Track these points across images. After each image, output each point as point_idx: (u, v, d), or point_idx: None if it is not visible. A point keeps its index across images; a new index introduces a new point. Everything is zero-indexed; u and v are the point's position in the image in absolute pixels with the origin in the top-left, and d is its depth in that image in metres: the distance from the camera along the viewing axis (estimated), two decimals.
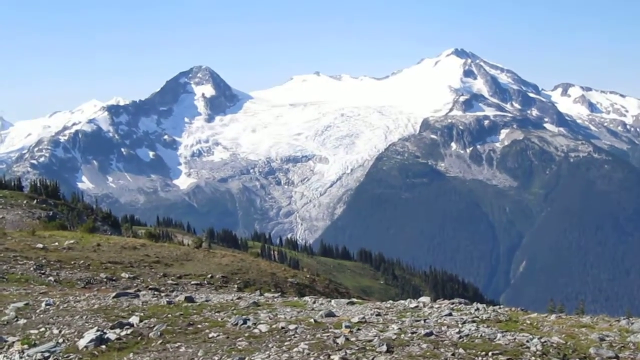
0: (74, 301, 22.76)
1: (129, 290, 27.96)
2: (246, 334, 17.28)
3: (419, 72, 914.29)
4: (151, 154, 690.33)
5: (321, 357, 15.12)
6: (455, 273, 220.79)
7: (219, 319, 19.43)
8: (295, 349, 15.75)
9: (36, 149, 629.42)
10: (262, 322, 18.69)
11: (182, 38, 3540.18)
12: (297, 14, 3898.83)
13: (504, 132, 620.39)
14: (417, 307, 22.90)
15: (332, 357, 15.05)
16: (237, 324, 18.36)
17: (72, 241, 43.14)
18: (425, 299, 24.92)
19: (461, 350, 15.61)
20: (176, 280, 36.73)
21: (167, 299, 23.50)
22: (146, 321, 18.86)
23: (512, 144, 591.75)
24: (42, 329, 18.41)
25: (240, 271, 42.77)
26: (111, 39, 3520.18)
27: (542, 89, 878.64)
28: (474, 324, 18.69)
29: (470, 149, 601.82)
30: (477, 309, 22.38)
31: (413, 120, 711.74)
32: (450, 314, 20.57)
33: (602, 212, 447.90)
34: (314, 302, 24.65)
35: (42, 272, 33.50)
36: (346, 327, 17.84)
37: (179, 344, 16.61)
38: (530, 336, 17.03)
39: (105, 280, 34.09)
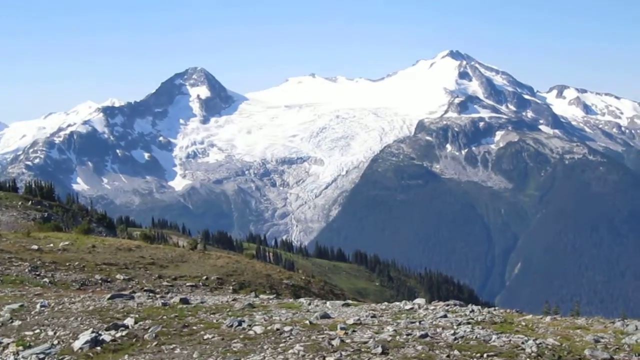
0: (69, 303, 22.73)
1: (124, 292, 27.92)
2: (241, 336, 17.27)
3: (414, 74, 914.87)
4: (146, 155, 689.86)
5: (316, 358, 15.12)
6: (450, 275, 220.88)
7: (214, 321, 19.42)
8: (290, 351, 15.74)
9: (31, 150, 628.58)
10: (257, 323, 18.68)
11: (178, 40, 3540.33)
12: (293, 15, 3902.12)
13: (499, 134, 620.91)
14: (412, 308, 22.92)
15: (327, 358, 15.05)
16: (232, 326, 18.35)
17: (67, 243, 43.11)
18: (420, 300, 24.94)
19: (456, 352, 15.61)
20: (171, 281, 36.71)
21: (162, 301, 23.48)
22: (141, 323, 18.84)
23: (507, 145, 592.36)
24: (37, 331, 18.38)
25: (236, 273, 42.77)
26: (106, 40, 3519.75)
27: (537, 90, 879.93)
28: (469, 326, 18.70)
29: (466, 150, 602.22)
30: (472, 311, 22.40)
31: (408, 122, 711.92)
32: (445, 316, 20.59)
33: (597, 214, 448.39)
34: (309, 304, 24.65)
35: (37, 273, 33.45)
36: (341, 328, 17.84)
37: (174, 345, 16.60)
38: (526, 338, 17.04)
39: (100, 281, 34.06)
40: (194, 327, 18.44)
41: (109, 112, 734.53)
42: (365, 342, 16.37)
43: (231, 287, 38.55)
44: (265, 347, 16.21)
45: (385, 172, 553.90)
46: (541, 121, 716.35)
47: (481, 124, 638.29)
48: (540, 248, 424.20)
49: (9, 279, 30.97)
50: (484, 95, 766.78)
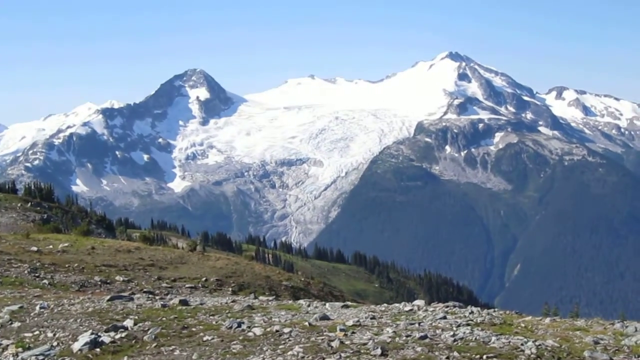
0: (69, 304, 22.73)
1: (123, 294, 27.94)
2: (240, 337, 17.28)
3: (413, 75, 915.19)
4: (145, 157, 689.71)
5: None
6: (449, 276, 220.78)
7: (214, 322, 19.42)
8: (289, 352, 15.75)
9: (30, 151, 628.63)
10: (256, 325, 18.69)
11: (177, 41, 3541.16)
12: (292, 17, 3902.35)
13: (498, 136, 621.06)
14: (411, 310, 22.92)
15: None
16: (231, 327, 18.36)
17: (66, 244, 43.11)
18: (419, 302, 24.95)
19: (456, 354, 15.62)
20: (170, 283, 36.71)
21: (162, 302, 23.49)
22: (140, 324, 18.85)
23: (507, 147, 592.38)
24: (37, 332, 18.39)
25: (235, 274, 42.78)
26: (106, 42, 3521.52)
27: (536, 92, 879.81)
28: (469, 327, 18.70)
29: (465, 152, 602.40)
30: (472, 312, 22.40)
31: (407, 124, 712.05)
32: (444, 317, 20.60)
33: (596, 215, 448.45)
34: (309, 306, 24.66)
35: (37, 275, 33.47)
36: (341, 330, 17.84)
37: (173, 347, 16.60)
38: (525, 339, 17.04)
39: (99, 283, 34.07)
40: (194, 329, 18.45)
41: (108, 113, 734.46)
42: (365, 344, 16.37)
43: (230, 289, 38.55)
44: (264, 348, 16.21)
45: (385, 174, 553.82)
46: (540, 122, 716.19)
47: (480, 125, 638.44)
48: (540, 249, 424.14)
49: (9, 280, 30.99)
50: (483, 96, 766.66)
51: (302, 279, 55.78)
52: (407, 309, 23.29)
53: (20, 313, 20.89)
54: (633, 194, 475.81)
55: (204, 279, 39.07)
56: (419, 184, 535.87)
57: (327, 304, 25.52)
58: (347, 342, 16.49)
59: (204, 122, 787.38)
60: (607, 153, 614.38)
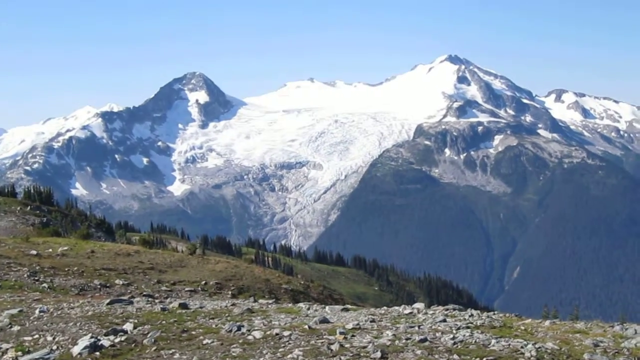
0: (68, 308, 22.74)
1: (123, 297, 27.95)
2: (240, 341, 17.29)
3: (412, 78, 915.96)
4: (145, 160, 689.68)
5: None
6: (449, 279, 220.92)
7: (213, 326, 19.44)
8: (289, 356, 15.76)
9: (30, 155, 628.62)
10: (256, 328, 18.71)
11: (176, 45, 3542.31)
12: (291, 20, 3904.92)
13: (497, 138, 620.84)
14: (411, 313, 22.94)
15: None
16: (231, 331, 18.37)
17: (65, 248, 43.12)
18: (419, 305, 24.95)
19: (455, 357, 15.63)
20: (170, 286, 36.72)
21: (161, 306, 23.50)
22: (140, 328, 18.86)
23: (506, 150, 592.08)
24: (36, 336, 18.39)
25: (234, 278, 42.77)
26: (105, 46, 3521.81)
27: (535, 95, 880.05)
28: (468, 330, 18.73)
29: (464, 155, 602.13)
30: (472, 315, 22.43)
31: (407, 127, 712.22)
32: (444, 320, 20.61)
33: (596, 218, 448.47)
34: (308, 309, 24.67)
35: (36, 278, 33.48)
36: (340, 333, 17.85)
37: (173, 350, 16.61)
38: (525, 342, 17.05)
39: (99, 286, 34.07)
40: (193, 332, 18.45)
41: (107, 117, 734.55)
42: (365, 347, 16.39)
43: (230, 292, 38.55)
44: (264, 352, 16.22)
45: (384, 177, 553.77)
46: (540, 125, 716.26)
47: (480, 128, 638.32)
48: (539, 252, 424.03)
49: (8, 284, 30.99)
50: (482, 99, 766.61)
51: (302, 282, 55.75)
52: (406, 312, 23.32)
53: (20, 317, 20.89)
54: (632, 197, 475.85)
55: (203, 282, 39.08)
56: (418, 187, 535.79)
57: (327, 307, 25.55)
58: (347, 345, 16.50)
59: (204, 126, 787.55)
60: (606, 156, 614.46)
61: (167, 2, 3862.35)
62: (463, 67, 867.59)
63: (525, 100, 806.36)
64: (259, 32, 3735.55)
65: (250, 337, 17.67)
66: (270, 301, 29.24)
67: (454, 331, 18.55)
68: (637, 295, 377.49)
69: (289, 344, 16.92)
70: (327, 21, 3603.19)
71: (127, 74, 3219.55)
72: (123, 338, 17.68)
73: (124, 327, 18.88)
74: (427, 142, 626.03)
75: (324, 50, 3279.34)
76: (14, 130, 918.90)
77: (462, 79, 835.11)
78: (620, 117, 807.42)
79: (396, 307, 25.36)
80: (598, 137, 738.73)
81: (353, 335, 17.74)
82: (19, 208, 77.14)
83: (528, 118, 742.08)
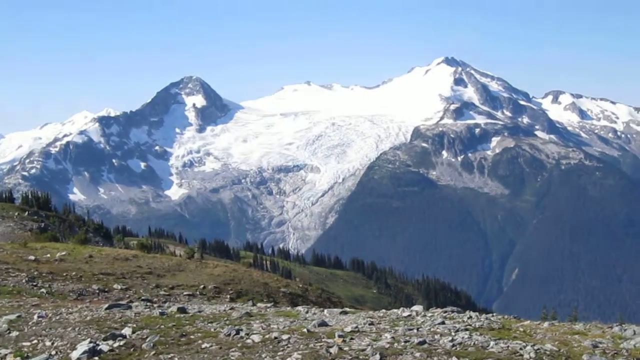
0: (67, 313, 22.71)
1: (121, 302, 27.93)
2: (239, 345, 17.28)
3: (409, 80, 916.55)
4: (142, 164, 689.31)
5: None
6: (447, 281, 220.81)
7: (212, 330, 19.42)
8: (288, 359, 15.75)
9: (27, 160, 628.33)
10: (255, 332, 18.69)
11: (173, 49, 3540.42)
12: (288, 23, 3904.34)
13: (495, 140, 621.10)
14: (410, 315, 22.94)
15: None
16: (230, 335, 18.36)
17: (64, 253, 43.08)
18: (418, 307, 24.96)
19: (454, 359, 15.64)
20: (168, 291, 36.68)
21: (160, 310, 23.48)
22: (139, 332, 18.84)
23: (503, 151, 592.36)
24: (35, 341, 18.37)
25: (233, 281, 42.74)
26: (102, 50, 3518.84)
27: (532, 96, 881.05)
28: (467, 332, 18.73)
29: (462, 157, 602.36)
30: (470, 317, 22.43)
31: (404, 129, 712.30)
32: (443, 323, 20.61)
33: (593, 219, 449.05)
34: (307, 312, 24.68)
35: (34, 284, 33.45)
36: (339, 336, 17.85)
37: (171, 355, 16.59)
38: (524, 344, 17.06)
39: (97, 291, 34.04)
40: (192, 337, 18.44)
41: (104, 122, 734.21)
42: (363, 350, 16.38)
43: (228, 296, 38.53)
44: (263, 355, 16.22)
45: (382, 179, 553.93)
46: (537, 127, 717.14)
47: (477, 130, 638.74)
48: (537, 253, 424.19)
49: (6, 289, 30.96)
50: (479, 101, 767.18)
51: (300, 286, 55.72)
52: (405, 314, 23.32)
53: (18, 322, 20.86)
54: (630, 197, 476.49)
55: (201, 286, 39.05)
56: (416, 189, 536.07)
57: (326, 311, 25.54)
58: (346, 348, 16.50)
59: (201, 130, 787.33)
60: (603, 157, 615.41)
61: (164, 8, 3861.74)
62: (460, 69, 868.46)
63: (522, 102, 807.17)
64: (256, 36, 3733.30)
65: (249, 340, 17.66)
66: (268, 305, 29.23)
67: (453, 333, 18.55)
68: (636, 296, 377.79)
69: (288, 347, 16.91)
70: (324, 25, 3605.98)
71: (124, 79, 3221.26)
72: (122, 343, 17.67)
73: (123, 331, 18.87)
74: (424, 145, 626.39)
75: (320, 54, 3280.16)
76: (11, 135, 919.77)
77: (458, 81, 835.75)
78: (617, 118, 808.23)
79: (395, 310, 25.37)
80: (595, 138, 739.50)
81: (352, 338, 17.73)
82: (16, 213, 77.10)
83: (525, 120, 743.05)
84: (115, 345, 17.46)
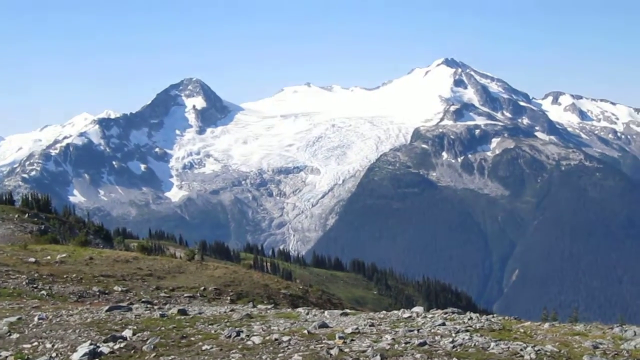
0: (67, 315, 22.72)
1: (121, 304, 27.92)
2: (240, 346, 17.28)
3: (409, 82, 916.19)
4: (142, 166, 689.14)
5: None
6: (448, 282, 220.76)
7: (213, 331, 19.43)
8: None
9: (27, 162, 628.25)
10: (255, 333, 18.69)
11: (173, 51, 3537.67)
12: (287, 25, 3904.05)
13: (495, 141, 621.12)
14: (410, 317, 22.94)
15: None
16: (230, 336, 18.36)
17: (64, 255, 43.09)
18: (418, 308, 24.98)
19: None
20: (169, 293, 36.69)
21: (160, 312, 23.48)
22: (139, 334, 18.84)
23: (503, 152, 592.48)
24: (35, 343, 18.38)
25: (233, 283, 42.76)
26: (102, 52, 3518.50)
27: (532, 97, 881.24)
28: (468, 333, 18.73)
29: (462, 158, 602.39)
30: (471, 318, 22.43)
31: (404, 130, 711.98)
32: (443, 324, 20.61)
33: (593, 219, 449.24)
34: (307, 314, 24.68)
35: (35, 286, 33.45)
36: (340, 338, 17.85)
37: (172, 356, 16.60)
38: (524, 345, 17.06)
39: (97, 293, 34.05)
40: (192, 338, 18.44)
41: (104, 123, 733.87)
42: (364, 351, 16.38)
43: (229, 298, 38.54)
44: (263, 357, 16.22)
45: (382, 181, 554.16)
46: (537, 128, 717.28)
47: (477, 131, 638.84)
48: (538, 254, 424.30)
49: (7, 292, 30.97)
50: (479, 102, 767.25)
51: (301, 287, 55.75)
52: (406, 315, 23.32)
53: (19, 324, 20.87)
54: (630, 198, 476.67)
55: (202, 288, 39.06)
56: (416, 190, 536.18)
57: (326, 312, 25.53)
58: (346, 350, 16.50)
59: (201, 131, 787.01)
60: (603, 157, 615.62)
61: (164, 10, 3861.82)
62: (460, 70, 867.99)
63: (522, 103, 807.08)
64: (256, 37, 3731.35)
65: (249, 342, 17.66)
66: (269, 306, 29.22)
67: (453, 334, 18.56)
68: (636, 296, 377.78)
69: (288, 349, 16.91)
70: (324, 26, 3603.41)
71: (124, 81, 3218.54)
72: (122, 345, 17.68)
73: (123, 333, 18.87)
74: (424, 146, 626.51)
75: (320, 55, 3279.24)
76: (11, 137, 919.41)
77: (458, 82, 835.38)
78: (617, 118, 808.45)
79: (395, 311, 25.37)
80: (595, 139, 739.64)
81: (352, 340, 17.73)
82: (17, 216, 77.17)
83: (525, 121, 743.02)
84: (116, 347, 17.47)
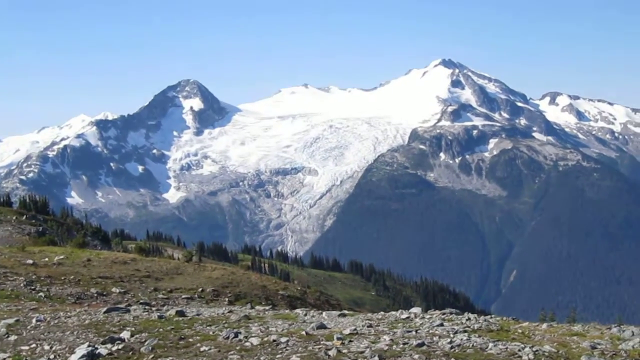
0: (65, 317, 22.72)
1: (119, 305, 27.93)
2: (238, 347, 17.28)
3: (407, 83, 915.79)
4: (140, 168, 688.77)
5: None
6: (446, 283, 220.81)
7: (211, 333, 19.43)
8: None
9: (25, 164, 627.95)
10: (253, 335, 18.69)
11: (170, 52, 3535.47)
12: (285, 26, 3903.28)
13: (492, 142, 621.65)
14: (408, 317, 22.95)
15: None
16: (228, 338, 18.36)
17: (62, 257, 43.05)
18: (416, 309, 25.00)
19: None
20: (167, 294, 36.67)
21: (158, 314, 23.49)
22: (137, 336, 18.84)
23: (501, 153, 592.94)
24: (33, 345, 18.37)
25: (231, 284, 42.71)
26: (99, 54, 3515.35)
27: (530, 98, 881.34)
28: (466, 334, 18.75)
29: (459, 159, 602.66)
30: (469, 319, 22.45)
31: (402, 131, 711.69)
32: (441, 324, 20.62)
33: (591, 220, 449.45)
34: (306, 315, 24.69)
35: (33, 288, 33.43)
36: (338, 339, 17.85)
37: (170, 358, 16.60)
38: (522, 345, 17.08)
39: (95, 295, 34.03)
40: (191, 340, 18.44)
41: (102, 125, 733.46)
42: (362, 352, 16.39)
43: (227, 299, 38.51)
44: (262, 358, 16.23)
45: (380, 182, 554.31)
46: (534, 128, 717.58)
47: (474, 132, 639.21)
48: (536, 255, 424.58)
49: (5, 293, 30.95)
50: (476, 103, 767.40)
51: (299, 288, 55.69)
52: (404, 316, 23.33)
53: (17, 326, 20.86)
54: (628, 199, 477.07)
55: (200, 289, 39.02)
56: (413, 191, 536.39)
57: (324, 313, 25.56)
58: (345, 351, 16.50)
59: (198, 133, 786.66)
60: (601, 158, 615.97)
61: (161, 10, 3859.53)
62: (457, 71, 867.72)
63: (519, 104, 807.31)
64: (253, 39, 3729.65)
65: (247, 343, 17.67)
66: (267, 307, 29.24)
67: (452, 335, 18.57)
68: (634, 297, 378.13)
69: (287, 350, 16.92)
70: (321, 27, 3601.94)
71: (121, 83, 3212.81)
72: (120, 346, 17.68)
73: (121, 335, 18.87)
74: (422, 147, 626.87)
75: (317, 56, 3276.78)
76: (8, 139, 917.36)
77: (456, 83, 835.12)
78: (615, 119, 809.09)
79: (393, 312, 25.39)
80: (593, 139, 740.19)
81: (350, 341, 17.74)
82: (14, 217, 77.03)
83: (522, 121, 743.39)
84: (114, 348, 17.47)
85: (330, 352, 16.27)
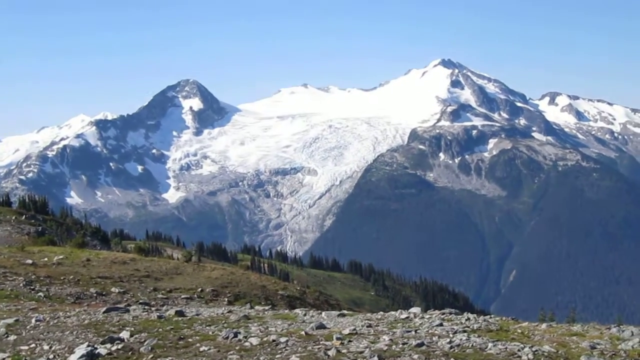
0: (64, 317, 22.71)
1: (119, 305, 27.92)
2: (237, 347, 17.28)
3: (406, 83, 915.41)
4: (140, 168, 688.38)
5: None
6: (445, 283, 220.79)
7: (210, 333, 19.43)
8: None
9: (24, 164, 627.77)
10: (253, 335, 18.69)
11: (169, 52, 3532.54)
12: (284, 26, 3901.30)
13: (492, 142, 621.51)
14: (408, 317, 22.95)
15: None
16: (228, 338, 18.36)
17: (61, 256, 43.05)
18: (416, 309, 25.00)
19: None
20: (166, 294, 36.67)
21: (158, 314, 23.48)
22: (137, 336, 18.84)
23: (500, 153, 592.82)
24: (33, 345, 18.36)
25: (231, 284, 42.71)
26: (98, 53, 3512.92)
27: (529, 98, 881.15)
28: (465, 334, 18.74)
29: (459, 159, 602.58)
30: (468, 319, 22.44)
31: (401, 131, 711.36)
32: (441, 324, 20.62)
33: (591, 220, 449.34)
34: (305, 315, 24.69)
35: (32, 287, 33.42)
36: (337, 339, 17.85)
37: (170, 358, 16.59)
38: (522, 345, 17.08)
39: (95, 295, 34.03)
40: (190, 340, 18.44)
41: (101, 125, 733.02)
42: (362, 352, 16.39)
43: (226, 299, 38.51)
44: (261, 358, 16.22)
45: (379, 182, 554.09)
46: (534, 128, 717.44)
47: (474, 132, 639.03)
48: (535, 255, 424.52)
49: (4, 293, 30.94)
50: (476, 103, 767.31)
51: (298, 288, 55.72)
52: (403, 316, 23.33)
53: (16, 326, 20.85)
54: (627, 199, 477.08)
55: (199, 289, 39.03)
56: (413, 191, 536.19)
57: (324, 313, 25.56)
58: (344, 351, 16.50)
59: (198, 133, 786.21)
60: (600, 158, 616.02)
61: (161, 11, 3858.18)
62: (456, 71, 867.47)
63: (519, 104, 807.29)
64: (252, 38, 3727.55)
65: (247, 343, 17.66)
66: (266, 307, 29.24)
67: (451, 335, 18.57)
68: (634, 297, 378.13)
69: (286, 350, 16.91)
70: (321, 27, 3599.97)
71: (120, 83, 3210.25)
72: (120, 346, 17.67)
73: (121, 335, 18.87)
74: (421, 147, 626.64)
75: (317, 56, 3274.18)
76: (8, 139, 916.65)
77: (455, 83, 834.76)
78: (614, 119, 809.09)
79: (392, 312, 25.39)
80: (592, 139, 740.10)
81: (350, 341, 17.74)
82: (14, 217, 77.04)
83: (522, 121, 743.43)
84: (113, 348, 17.46)
85: (329, 352, 16.27)
